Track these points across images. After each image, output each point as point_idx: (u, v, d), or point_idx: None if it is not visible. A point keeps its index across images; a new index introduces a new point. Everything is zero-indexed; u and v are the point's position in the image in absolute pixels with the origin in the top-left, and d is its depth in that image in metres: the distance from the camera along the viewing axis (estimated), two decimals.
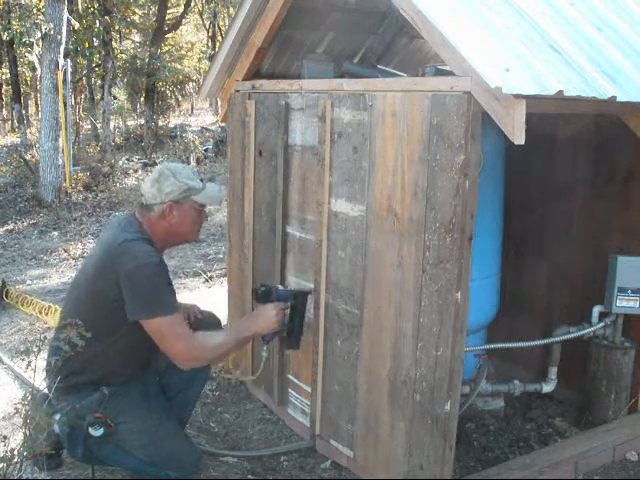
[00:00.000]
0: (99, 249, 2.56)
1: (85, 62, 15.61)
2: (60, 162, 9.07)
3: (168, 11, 17.56)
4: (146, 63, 16.09)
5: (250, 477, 2.81)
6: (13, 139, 17.46)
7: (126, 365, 2.56)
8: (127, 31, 17.87)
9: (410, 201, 2.36)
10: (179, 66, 18.13)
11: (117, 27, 15.73)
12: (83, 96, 18.30)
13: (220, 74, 3.46)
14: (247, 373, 3.46)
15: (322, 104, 2.72)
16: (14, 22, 12.39)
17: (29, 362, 2.26)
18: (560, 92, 1.96)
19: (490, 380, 3.08)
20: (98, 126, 15.14)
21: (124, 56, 17.49)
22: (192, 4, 18.85)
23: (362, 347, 2.66)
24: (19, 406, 2.31)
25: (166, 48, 18.56)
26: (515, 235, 3.44)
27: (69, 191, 9.28)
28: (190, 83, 21.72)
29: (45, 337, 2.53)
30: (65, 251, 7.08)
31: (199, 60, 21.21)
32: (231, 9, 18.47)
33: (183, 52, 20.68)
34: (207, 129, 16.25)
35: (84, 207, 9.06)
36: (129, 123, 17.62)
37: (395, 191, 2.41)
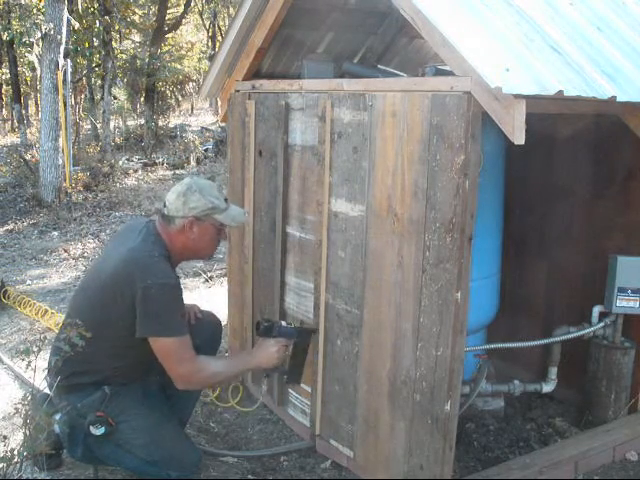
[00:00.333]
0: (117, 256, 2.50)
1: (85, 62, 15.60)
2: (60, 162, 9.06)
3: (168, 11, 17.56)
4: (146, 63, 16.09)
5: (250, 477, 2.81)
6: (13, 139, 17.45)
7: (129, 367, 2.56)
8: (127, 31, 17.86)
9: (410, 201, 2.36)
10: (179, 66, 18.13)
11: (117, 27, 15.72)
12: (83, 96, 18.29)
13: (220, 74, 3.46)
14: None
15: (322, 104, 2.72)
16: (14, 22, 12.40)
17: (29, 362, 2.26)
18: (560, 92, 1.96)
19: (490, 380, 3.08)
20: (98, 126, 15.14)
21: (124, 56, 17.48)
22: (192, 4, 18.84)
23: (362, 347, 2.66)
24: (19, 406, 2.31)
25: (166, 48, 18.56)
26: (515, 235, 3.44)
27: (69, 191, 9.28)
28: (190, 83, 21.73)
29: (45, 337, 2.54)
30: (65, 251, 7.08)
31: (199, 60, 21.22)
32: (231, 9, 18.47)
33: (183, 52, 20.68)
34: (207, 129, 16.26)
35: (84, 207, 9.05)
36: (129, 123, 17.62)
37: (395, 191, 2.41)
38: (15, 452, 2.22)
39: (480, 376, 2.97)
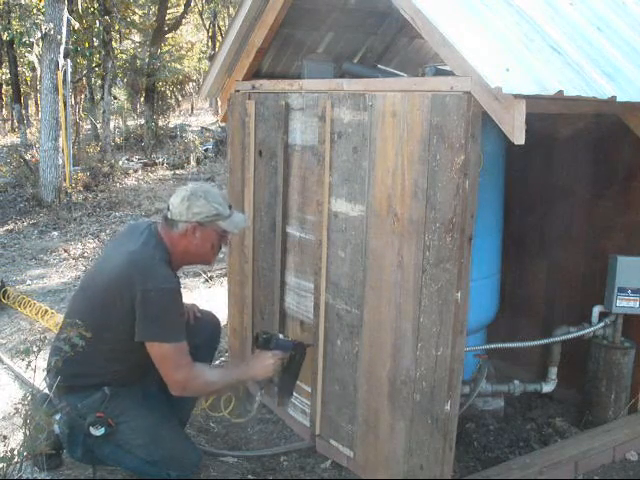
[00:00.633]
0: (118, 258, 2.50)
1: (85, 62, 15.60)
2: (60, 162, 9.06)
3: (168, 11, 17.55)
4: (146, 63, 16.09)
5: (250, 477, 2.81)
6: (13, 139, 17.44)
7: (129, 370, 2.56)
8: (127, 31, 17.85)
9: (410, 201, 2.36)
10: (179, 66, 18.13)
11: (117, 27, 15.72)
12: (83, 96, 18.29)
13: (220, 74, 3.46)
14: None
15: (322, 104, 2.72)
16: (14, 22, 12.40)
17: (29, 362, 2.26)
18: (560, 92, 1.96)
19: (490, 380, 3.08)
20: (98, 126, 15.13)
21: (124, 56, 17.48)
22: (192, 4, 18.84)
23: (362, 347, 2.66)
24: (19, 406, 2.31)
25: (166, 48, 18.55)
26: (515, 235, 3.44)
27: (69, 191, 9.28)
28: (190, 83, 21.73)
29: (45, 337, 2.54)
30: (65, 251, 7.08)
31: (199, 60, 21.22)
32: (231, 9, 18.47)
33: (183, 52, 20.67)
34: (207, 129, 16.25)
35: (84, 207, 9.05)
36: (129, 123, 17.62)
37: (395, 191, 2.41)
38: (15, 452, 2.22)
39: (480, 376, 2.97)
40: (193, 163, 12.30)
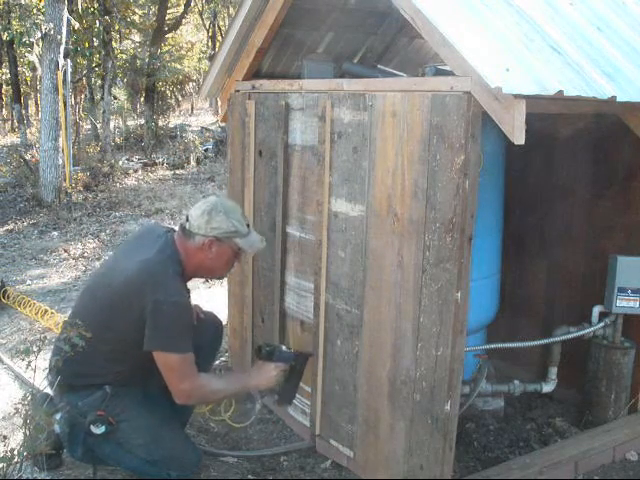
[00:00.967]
0: (131, 265, 2.49)
1: (85, 62, 15.60)
2: (60, 162, 9.06)
3: (168, 11, 17.55)
4: (146, 63, 16.08)
5: (250, 477, 2.81)
6: (13, 139, 17.44)
7: (130, 371, 2.56)
8: (127, 31, 17.85)
9: (410, 201, 2.35)
10: (179, 66, 18.12)
11: (117, 27, 15.72)
12: (83, 96, 18.28)
13: (220, 74, 3.46)
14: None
15: (322, 104, 2.72)
16: (14, 22, 12.40)
17: (29, 362, 2.26)
18: (560, 92, 1.96)
19: (490, 380, 3.08)
20: (98, 126, 15.13)
21: (124, 56, 17.47)
22: (192, 4, 18.84)
23: (362, 347, 2.66)
24: (19, 406, 2.31)
25: (166, 48, 18.55)
26: (515, 235, 3.44)
27: (69, 191, 9.28)
28: (190, 83, 21.73)
29: (45, 337, 2.54)
30: (65, 251, 7.08)
31: (199, 60, 21.21)
32: (231, 9, 18.47)
33: (183, 52, 20.67)
34: (207, 129, 16.24)
35: (84, 207, 9.05)
36: (129, 123, 17.61)
37: (395, 191, 2.41)
38: (15, 452, 2.22)
39: (480, 376, 2.97)
40: (193, 163, 12.30)
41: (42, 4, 10.22)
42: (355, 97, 2.56)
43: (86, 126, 16.72)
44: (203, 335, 2.79)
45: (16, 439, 2.66)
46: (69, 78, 9.87)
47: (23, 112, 17.79)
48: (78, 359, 2.37)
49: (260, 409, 2.78)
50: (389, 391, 2.54)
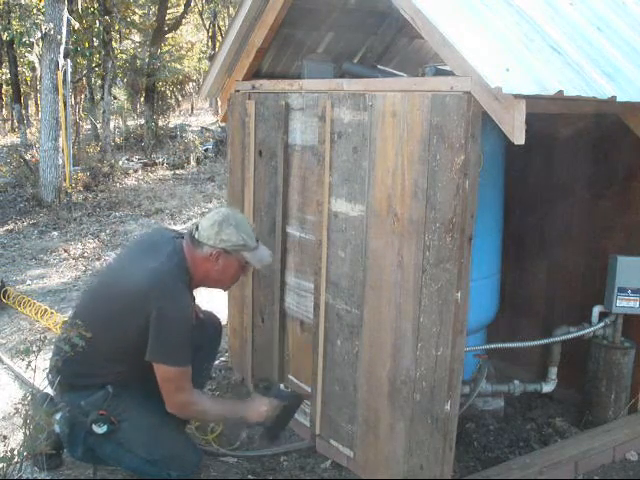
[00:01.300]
0: (139, 272, 2.49)
1: (85, 62, 15.60)
2: (60, 162, 9.05)
3: (168, 11, 17.54)
4: (146, 63, 16.08)
5: (250, 477, 2.81)
6: (13, 139, 17.44)
7: (133, 371, 2.57)
8: (127, 31, 17.85)
9: (410, 201, 2.35)
10: (179, 66, 18.11)
11: (117, 27, 15.72)
12: (83, 96, 18.28)
13: (220, 74, 3.46)
14: None
15: (322, 104, 2.72)
16: (14, 22, 12.39)
17: (29, 362, 2.27)
18: (560, 92, 1.96)
19: (490, 380, 3.08)
20: (98, 126, 15.12)
21: (124, 56, 17.47)
22: (192, 4, 18.84)
23: (362, 347, 2.66)
24: (19, 406, 2.31)
25: (166, 48, 18.54)
26: (515, 235, 3.44)
27: (69, 191, 9.27)
28: (190, 83, 21.73)
29: (45, 337, 2.54)
30: (65, 251, 7.08)
31: (199, 60, 21.20)
32: (231, 9, 18.47)
33: (183, 52, 20.66)
34: (207, 129, 16.23)
35: (84, 207, 9.05)
36: (129, 123, 17.61)
37: (395, 191, 2.41)
38: (15, 452, 2.22)
39: (480, 376, 2.97)
40: (193, 163, 12.29)
41: (42, 4, 10.22)
42: (355, 97, 2.56)
43: (86, 126, 16.72)
44: (203, 335, 2.79)
45: (16, 439, 2.66)
46: (69, 78, 9.87)
47: (23, 112, 17.78)
48: (79, 359, 2.38)
49: (245, 438, 2.80)
50: (389, 391, 2.54)
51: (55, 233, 7.89)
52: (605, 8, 2.77)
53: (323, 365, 2.88)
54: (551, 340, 3.06)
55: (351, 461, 2.81)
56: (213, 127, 16.50)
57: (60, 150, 9.06)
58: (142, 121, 16.41)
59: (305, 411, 3.07)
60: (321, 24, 3.47)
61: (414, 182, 2.33)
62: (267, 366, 3.31)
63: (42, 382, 2.50)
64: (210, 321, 3.01)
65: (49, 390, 2.61)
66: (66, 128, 9.48)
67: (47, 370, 2.58)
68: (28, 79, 21.40)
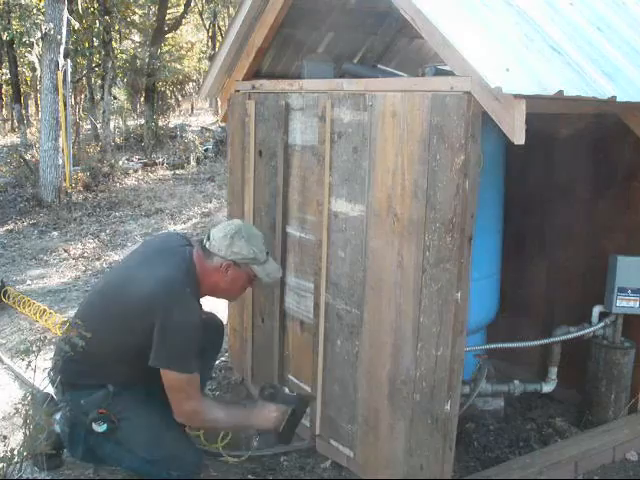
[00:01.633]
0: (148, 279, 2.48)
1: (85, 62, 15.61)
2: (60, 162, 9.05)
3: (168, 11, 17.54)
4: (146, 63, 16.08)
5: (250, 477, 2.81)
6: (13, 139, 17.43)
7: (135, 372, 2.57)
8: (127, 31, 17.87)
9: (410, 201, 2.35)
10: (179, 66, 18.14)
11: (117, 27, 15.73)
12: (83, 96, 18.29)
13: (220, 74, 3.46)
14: None
15: (322, 104, 2.72)
16: (14, 22, 12.41)
17: (29, 362, 2.27)
18: (560, 92, 1.96)
19: (490, 380, 3.08)
20: (98, 126, 15.13)
21: (124, 56, 17.48)
22: (192, 4, 18.84)
23: (362, 347, 2.66)
24: (19, 406, 2.32)
25: (166, 48, 18.55)
26: (515, 235, 3.44)
27: (69, 191, 9.28)
28: (190, 83, 21.74)
29: (45, 337, 2.54)
30: (65, 251, 7.08)
31: (199, 60, 21.22)
32: (231, 9, 18.47)
33: (183, 52, 20.67)
34: (207, 129, 16.24)
35: (84, 207, 9.05)
36: (129, 123, 17.60)
37: (395, 191, 2.41)
38: (15, 452, 2.22)
39: (480, 376, 2.97)
40: (193, 163, 12.29)
41: (42, 4, 10.23)
42: (355, 97, 2.56)
43: (86, 126, 16.71)
44: (205, 336, 2.79)
45: (16, 439, 2.66)
46: (69, 78, 9.88)
47: (23, 112, 17.79)
48: (82, 359, 2.39)
49: (256, 445, 2.80)
50: (389, 391, 2.54)
51: (55, 233, 7.89)
52: (605, 8, 2.77)
53: (323, 365, 2.88)
54: (551, 340, 3.06)
55: (351, 461, 2.81)
56: (213, 127, 16.50)
57: (60, 150, 9.06)
58: (142, 121, 16.42)
59: (305, 411, 3.07)
60: (321, 24, 3.47)
61: (414, 182, 2.33)
62: (267, 366, 3.31)
63: (42, 382, 2.50)
64: (212, 322, 3.02)
65: (49, 390, 2.61)
66: (66, 128, 9.48)
67: (48, 369, 2.58)
68: (28, 79, 21.40)
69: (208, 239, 2.60)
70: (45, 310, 4.79)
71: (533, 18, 2.38)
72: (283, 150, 3.01)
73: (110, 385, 2.54)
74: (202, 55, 21.72)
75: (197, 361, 2.49)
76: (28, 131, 15.93)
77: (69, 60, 10.01)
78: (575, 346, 3.12)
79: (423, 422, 2.40)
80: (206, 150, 13.33)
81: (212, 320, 3.04)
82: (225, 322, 3.63)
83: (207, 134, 15.23)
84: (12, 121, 20.04)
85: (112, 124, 14.71)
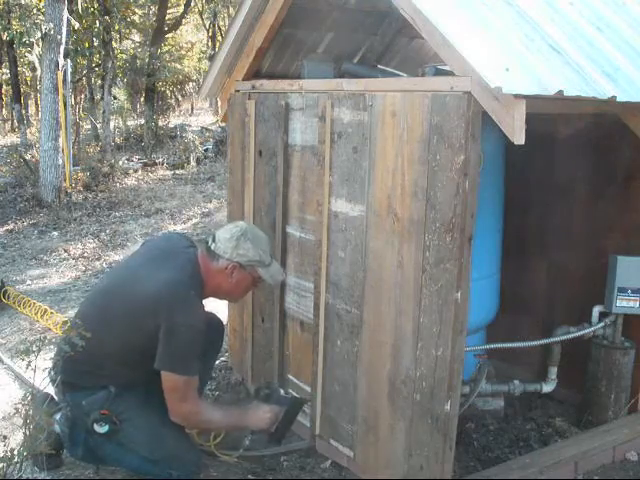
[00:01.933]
0: (152, 282, 2.47)
1: (85, 62, 15.60)
2: (60, 162, 9.05)
3: (168, 11, 17.54)
4: (146, 63, 16.08)
5: (250, 477, 2.81)
6: (13, 139, 17.44)
7: (136, 373, 2.57)
8: (127, 31, 17.85)
9: (410, 201, 2.35)
10: (179, 66, 18.14)
11: (117, 27, 15.72)
12: (83, 96, 18.29)
13: (220, 74, 3.46)
14: None
15: (322, 104, 2.72)
16: (14, 22, 12.39)
17: (29, 362, 2.27)
18: (560, 92, 1.96)
19: (490, 380, 3.08)
20: (98, 126, 15.13)
21: (124, 56, 17.47)
22: (192, 4, 18.83)
23: (362, 347, 2.66)
24: (19, 406, 2.31)
25: (166, 48, 18.55)
26: (515, 235, 3.43)
27: (69, 191, 9.27)
28: (190, 83, 21.72)
29: (45, 337, 2.54)
30: (65, 251, 7.08)
31: (199, 60, 21.21)
32: (231, 9, 18.45)
33: (183, 52, 20.67)
34: (207, 129, 16.23)
35: (84, 207, 9.05)
36: (129, 123, 17.60)
37: (395, 191, 2.41)
38: (15, 452, 2.22)
39: (480, 376, 2.97)
40: (193, 163, 12.29)
41: (42, 4, 10.22)
42: (355, 97, 2.56)
43: (86, 126, 16.70)
44: (205, 336, 2.79)
45: (16, 439, 2.66)
46: (69, 78, 9.87)
47: (23, 112, 17.77)
48: (83, 359, 2.39)
49: (248, 445, 2.82)
50: (389, 391, 2.54)
51: (55, 233, 7.89)
52: (605, 8, 2.77)
53: (323, 365, 2.88)
54: (551, 340, 3.06)
55: (351, 461, 2.81)
56: (213, 127, 16.50)
57: (60, 150, 9.06)
58: (142, 121, 16.41)
59: (305, 411, 3.07)
60: (321, 24, 3.47)
61: (414, 182, 2.33)
62: (267, 366, 3.31)
63: (42, 382, 2.50)
64: (212, 322, 3.01)
65: (49, 390, 2.61)
66: (66, 128, 9.48)
67: (49, 369, 2.58)
68: (28, 79, 21.39)
69: (213, 240, 2.60)
70: (45, 310, 4.79)
71: (533, 18, 2.38)
72: (283, 150, 3.01)
73: (111, 386, 2.54)
74: (202, 55, 21.70)
75: (198, 363, 2.49)
76: (28, 131, 15.93)
77: (69, 60, 10.00)
78: (575, 346, 3.12)
79: (423, 422, 2.40)
80: (206, 150, 13.33)
81: (212, 320, 3.03)
82: (225, 322, 3.63)
83: (207, 134, 15.23)
84: (12, 121, 20.03)
85: (112, 124, 14.70)
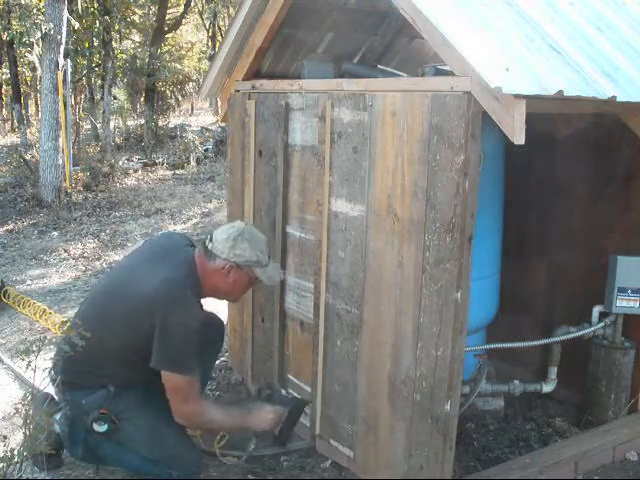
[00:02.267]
0: (149, 281, 2.47)
1: (85, 62, 15.60)
2: (60, 162, 9.05)
3: (168, 11, 17.54)
4: (146, 63, 16.08)
5: (250, 477, 2.81)
6: (13, 139, 17.43)
7: (136, 373, 2.57)
8: (127, 31, 17.85)
9: (410, 201, 2.35)
10: (179, 66, 18.13)
11: (117, 27, 15.72)
12: (83, 96, 18.28)
13: (220, 74, 3.46)
14: None
15: (322, 104, 2.72)
16: (14, 22, 12.40)
17: (29, 362, 2.27)
18: (560, 92, 1.96)
19: (490, 380, 3.07)
20: (98, 126, 15.13)
21: (124, 56, 17.47)
22: (192, 4, 18.83)
23: (362, 347, 2.66)
24: (19, 406, 2.31)
25: (166, 48, 18.55)
26: (515, 235, 3.43)
27: (69, 191, 9.27)
28: (190, 83, 21.72)
29: (45, 337, 2.54)
30: (65, 251, 7.08)
31: (199, 60, 21.21)
32: (231, 9, 18.45)
33: (183, 52, 20.66)
34: (207, 129, 16.23)
35: (84, 207, 9.05)
36: (129, 123, 17.60)
37: (395, 191, 2.41)
38: (15, 452, 2.22)
39: (480, 376, 2.97)
40: (193, 163, 12.29)
41: (42, 4, 10.22)
42: (355, 97, 2.56)
43: (86, 126, 16.70)
44: (205, 335, 2.79)
45: (16, 439, 2.66)
46: (69, 78, 9.87)
47: (23, 112, 17.77)
48: (84, 358, 2.39)
49: (253, 447, 2.81)
50: (389, 391, 2.54)
51: (55, 233, 7.89)
52: (605, 8, 2.77)
53: (323, 365, 2.88)
54: (551, 340, 3.06)
55: (351, 461, 2.81)
56: (213, 127, 16.50)
57: (60, 150, 9.06)
58: (142, 121, 16.40)
59: (305, 411, 3.07)
60: (321, 24, 3.47)
61: (414, 182, 2.33)
62: (267, 366, 3.31)
63: (42, 382, 2.50)
64: (212, 322, 3.01)
65: (49, 390, 2.61)
66: (66, 128, 9.48)
67: (49, 369, 2.58)
68: (28, 79, 21.39)
69: (210, 240, 2.60)
70: (45, 310, 4.78)
71: (533, 18, 2.38)
72: (283, 150, 3.01)
73: (111, 385, 2.54)
74: (202, 55, 21.70)
75: (197, 363, 2.49)
76: (28, 131, 15.93)
77: (69, 60, 10.00)
78: (575, 346, 3.12)
79: (423, 422, 2.40)
80: (206, 150, 13.33)
81: (212, 320, 3.04)
82: (225, 322, 3.63)
83: (207, 134, 15.23)
84: (12, 121, 20.03)
85: (112, 124, 14.70)
